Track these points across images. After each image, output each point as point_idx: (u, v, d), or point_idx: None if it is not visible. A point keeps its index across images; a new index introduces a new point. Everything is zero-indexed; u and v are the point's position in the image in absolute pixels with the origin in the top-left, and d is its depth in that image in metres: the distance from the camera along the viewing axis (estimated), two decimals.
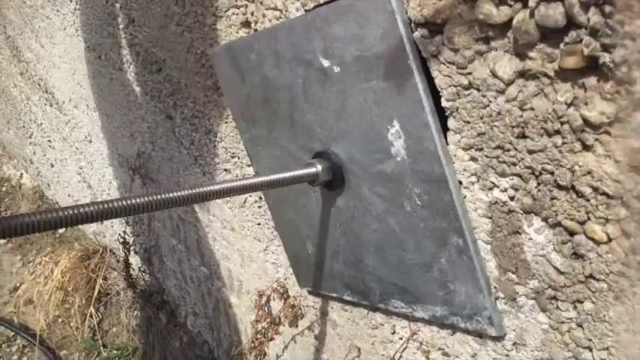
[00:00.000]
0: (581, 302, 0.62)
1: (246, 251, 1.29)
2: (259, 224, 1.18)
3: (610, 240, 0.56)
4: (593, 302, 0.60)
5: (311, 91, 0.80)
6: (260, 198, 1.13)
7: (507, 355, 0.74)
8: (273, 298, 1.21)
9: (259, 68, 0.87)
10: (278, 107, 0.88)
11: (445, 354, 0.84)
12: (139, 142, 1.58)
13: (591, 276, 0.59)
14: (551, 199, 0.59)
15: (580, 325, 0.63)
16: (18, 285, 2.60)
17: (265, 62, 0.85)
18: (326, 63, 0.75)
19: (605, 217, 0.55)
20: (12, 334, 2.44)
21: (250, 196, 1.16)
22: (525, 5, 0.52)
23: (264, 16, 0.86)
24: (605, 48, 0.48)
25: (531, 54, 0.54)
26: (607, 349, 0.61)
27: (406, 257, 0.78)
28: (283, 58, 0.82)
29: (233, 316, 1.52)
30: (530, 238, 0.64)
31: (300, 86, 0.81)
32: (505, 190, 0.64)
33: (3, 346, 2.43)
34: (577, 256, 0.60)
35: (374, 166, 0.76)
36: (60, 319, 2.40)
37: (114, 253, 2.33)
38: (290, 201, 0.97)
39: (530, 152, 0.59)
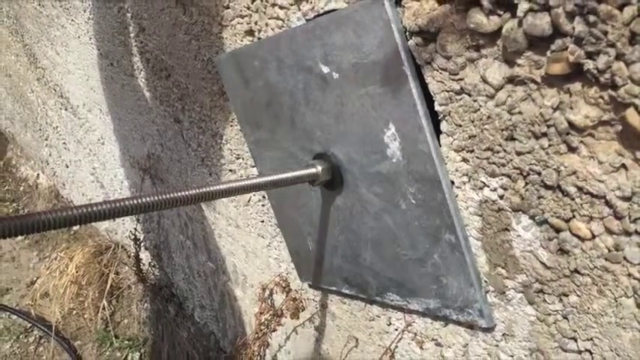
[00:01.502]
0: (567, 295, 0.62)
1: (251, 247, 1.29)
2: (262, 221, 1.18)
3: (594, 237, 0.56)
4: (578, 295, 0.60)
5: (311, 96, 0.80)
6: (263, 197, 1.13)
7: (497, 346, 0.74)
8: (276, 292, 1.21)
9: (262, 74, 0.87)
10: (280, 111, 0.88)
11: (438, 344, 0.84)
12: (149, 144, 1.58)
13: (576, 271, 0.59)
14: (539, 197, 0.59)
15: (565, 317, 0.63)
16: (35, 279, 2.60)
17: (268, 68, 0.85)
18: (325, 69, 0.75)
19: (589, 214, 0.55)
20: (29, 325, 2.44)
21: (254, 195, 1.16)
22: (514, 15, 0.52)
23: (267, 25, 0.86)
24: (589, 55, 0.48)
25: (519, 61, 0.54)
26: (591, 339, 0.61)
27: (401, 253, 0.78)
28: (285, 65, 0.82)
29: (238, 308, 1.52)
30: (519, 235, 0.64)
31: (301, 91, 0.81)
32: (495, 190, 0.64)
33: (20, 336, 2.43)
34: (563, 251, 0.60)
35: (371, 167, 0.76)
36: (74, 312, 2.40)
37: (125, 249, 2.33)
38: (291, 200, 0.97)
39: (519, 154, 0.59)
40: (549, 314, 0.65)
